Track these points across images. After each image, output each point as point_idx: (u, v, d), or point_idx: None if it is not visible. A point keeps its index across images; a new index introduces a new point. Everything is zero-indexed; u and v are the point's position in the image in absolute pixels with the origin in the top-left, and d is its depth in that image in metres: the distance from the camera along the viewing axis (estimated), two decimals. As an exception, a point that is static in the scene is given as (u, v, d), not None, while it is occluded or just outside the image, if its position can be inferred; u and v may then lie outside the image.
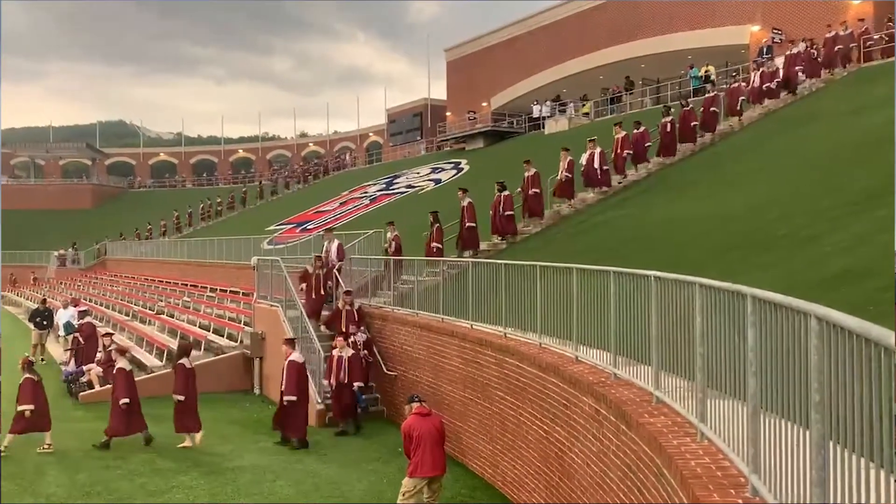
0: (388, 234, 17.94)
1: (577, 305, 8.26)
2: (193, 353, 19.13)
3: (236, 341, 19.32)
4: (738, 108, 22.71)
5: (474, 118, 48.05)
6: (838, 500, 3.16)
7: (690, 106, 22.02)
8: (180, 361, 13.08)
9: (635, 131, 20.97)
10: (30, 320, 24.39)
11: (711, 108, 22.29)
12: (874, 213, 10.47)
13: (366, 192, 42.46)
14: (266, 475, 10.95)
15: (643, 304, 6.51)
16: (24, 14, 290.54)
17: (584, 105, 39.87)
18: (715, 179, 17.37)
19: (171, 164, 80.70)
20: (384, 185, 42.73)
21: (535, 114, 42.42)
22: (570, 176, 19.00)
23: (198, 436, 12.71)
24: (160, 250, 41.39)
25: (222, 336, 20.40)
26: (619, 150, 20.27)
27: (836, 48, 24.08)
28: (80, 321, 20.18)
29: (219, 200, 54.54)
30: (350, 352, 13.99)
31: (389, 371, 14.46)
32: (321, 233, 18.39)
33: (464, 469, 11.36)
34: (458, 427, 11.81)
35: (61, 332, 22.75)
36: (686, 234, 13.48)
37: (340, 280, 16.73)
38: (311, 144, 78.00)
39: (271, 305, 17.26)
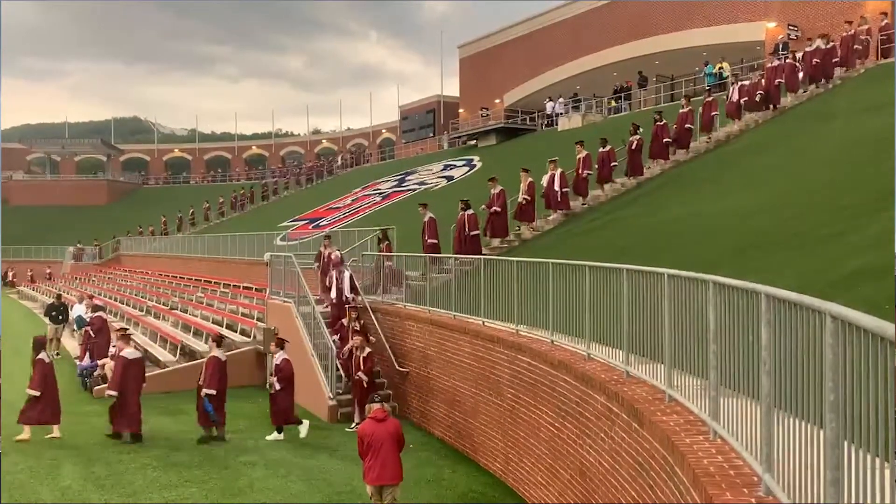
0: (326, 251, 17.40)
1: (590, 303, 8.25)
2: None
3: (249, 337, 19.44)
4: (713, 124, 21.75)
5: (487, 115, 47.99)
6: (852, 500, 3.14)
7: (663, 121, 20.89)
8: (39, 357, 12.72)
9: (601, 150, 19.91)
10: (45, 315, 24.62)
11: (686, 125, 21.24)
12: (890, 212, 10.36)
13: (378, 189, 42.52)
14: (279, 470, 11.01)
15: (656, 302, 6.49)
16: (40, 14, 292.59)
17: (610, 100, 39.45)
18: (729, 177, 17.25)
19: (185, 160, 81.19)
20: (396, 183, 42.77)
21: (549, 110, 42.29)
22: (529, 199, 18.15)
23: (55, 428, 12.57)
24: (174, 246, 41.65)
25: (235, 331, 20.52)
26: (580, 171, 19.33)
27: (813, 61, 23.06)
28: (92, 315, 20.34)
29: (207, 204, 54.31)
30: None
31: (401, 367, 14.49)
32: (332, 264, 17.18)
33: (475, 466, 11.38)
34: (469, 424, 11.82)
35: (74, 327, 22.98)
36: (700, 233, 13.41)
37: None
38: (324, 141, 78.22)
39: (284, 301, 17.33)
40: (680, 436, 5.41)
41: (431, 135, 58.11)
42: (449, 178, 37.71)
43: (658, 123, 20.83)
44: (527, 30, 48.47)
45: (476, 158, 40.56)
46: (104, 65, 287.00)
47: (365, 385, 13.47)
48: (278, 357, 13.29)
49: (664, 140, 20.71)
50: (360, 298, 16.34)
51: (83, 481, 10.42)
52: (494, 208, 17.47)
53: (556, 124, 38.96)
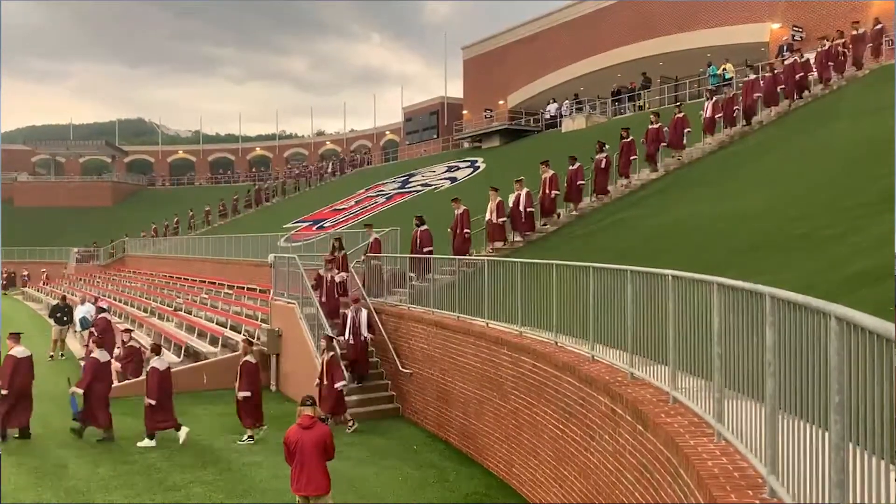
0: (328, 275, 16.81)
1: (594, 304, 8.24)
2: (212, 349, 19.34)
3: (253, 338, 19.44)
4: (684, 141, 20.90)
5: (491, 116, 47.98)
6: (857, 502, 3.13)
7: (630, 138, 20.12)
8: None
9: (570, 168, 19.19)
10: (50, 316, 24.68)
11: (657, 142, 20.42)
12: (891, 213, 10.33)
13: (381, 191, 42.56)
14: (282, 471, 10.99)
15: (660, 304, 6.49)
16: (45, 15, 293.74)
17: (611, 102, 39.27)
18: (732, 179, 17.21)
19: (189, 161, 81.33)
20: (400, 184, 42.81)
21: (553, 111, 42.23)
22: (499, 220, 17.57)
23: None
24: (178, 248, 41.72)
25: (239, 333, 20.52)
26: (546, 191, 18.70)
27: (795, 76, 22.54)
28: (96, 316, 20.40)
29: (200, 210, 53.87)
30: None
31: (405, 369, 14.49)
32: (348, 303, 15.82)
33: (479, 467, 11.37)
34: (473, 426, 11.82)
35: (78, 328, 23.03)
36: (703, 234, 13.39)
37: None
38: (328, 143, 78.29)
39: (288, 302, 17.34)
40: (684, 437, 5.41)
41: (435, 136, 58.10)
42: (452, 180, 37.74)
43: (625, 140, 20.20)
44: (531, 31, 48.46)
45: (480, 160, 40.58)
46: (109, 66, 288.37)
47: (239, 400, 12.98)
48: (149, 365, 12.94)
49: (631, 158, 20.13)
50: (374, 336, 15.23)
51: (88, 482, 10.46)
52: (466, 231, 17.12)
53: (560, 126, 38.95)
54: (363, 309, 15.10)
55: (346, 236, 20.14)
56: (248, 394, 12.85)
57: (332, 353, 13.38)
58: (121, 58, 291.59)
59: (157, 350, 13.40)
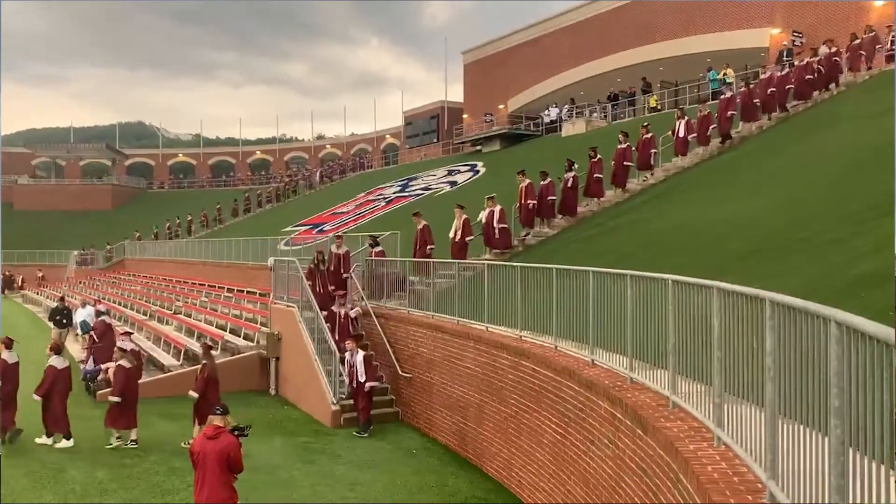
0: (343, 312, 16.08)
1: (594, 308, 8.23)
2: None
3: (252, 341, 19.43)
4: (651, 162, 20.57)
5: (491, 120, 48.01)
6: (857, 507, 3.12)
7: (598, 157, 19.75)
8: None
9: (542, 182, 18.82)
10: (49, 319, 24.67)
11: (624, 162, 20.08)
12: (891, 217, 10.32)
13: (382, 194, 42.57)
14: (281, 475, 11.00)
15: (660, 308, 6.48)
16: (46, 19, 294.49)
17: (607, 106, 39.24)
18: (733, 183, 17.21)
19: (189, 164, 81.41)
20: (400, 188, 42.83)
21: (553, 116, 42.23)
22: (464, 238, 16.97)
23: None
24: (178, 251, 41.71)
25: (239, 336, 20.51)
26: (523, 202, 18.47)
27: (769, 91, 22.23)
28: (95, 320, 20.38)
29: (186, 219, 53.65)
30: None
31: (404, 373, 14.47)
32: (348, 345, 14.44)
33: (478, 472, 11.35)
34: (472, 430, 11.80)
35: (78, 331, 23.00)
36: (706, 238, 13.38)
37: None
38: (328, 146, 78.33)
39: (287, 306, 17.33)
40: (684, 442, 5.40)
41: (435, 140, 58.13)
42: (453, 184, 37.76)
43: (593, 160, 19.84)
44: (531, 35, 48.54)
45: (480, 164, 40.60)
46: (109, 70, 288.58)
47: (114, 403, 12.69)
48: (47, 363, 12.84)
49: (595, 176, 19.77)
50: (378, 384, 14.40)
51: (85, 486, 10.44)
52: (430, 247, 16.90)
53: (560, 130, 38.96)
54: (359, 351, 13.97)
55: (347, 240, 20.11)
56: (118, 399, 12.65)
57: (205, 363, 12.93)
58: (121, 61, 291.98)
59: (56, 349, 13.25)
